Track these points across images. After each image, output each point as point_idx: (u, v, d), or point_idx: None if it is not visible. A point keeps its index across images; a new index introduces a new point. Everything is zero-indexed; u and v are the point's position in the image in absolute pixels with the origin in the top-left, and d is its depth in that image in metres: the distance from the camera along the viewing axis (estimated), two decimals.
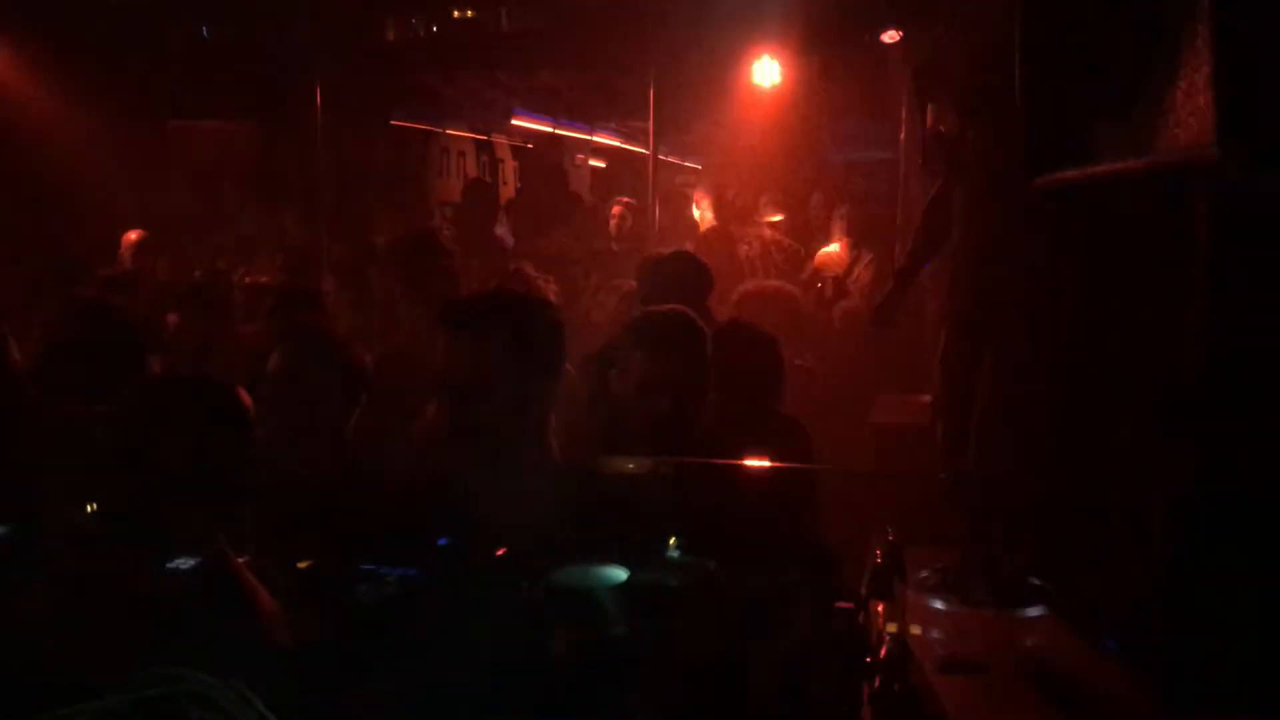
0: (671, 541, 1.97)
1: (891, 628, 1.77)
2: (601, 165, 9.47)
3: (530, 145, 8.97)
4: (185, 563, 1.93)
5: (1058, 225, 2.29)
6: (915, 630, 1.86)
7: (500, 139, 8.84)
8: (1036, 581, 2.53)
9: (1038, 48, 1.77)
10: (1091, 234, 2.24)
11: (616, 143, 9.17)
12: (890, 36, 5.17)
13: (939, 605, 2.49)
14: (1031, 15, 1.80)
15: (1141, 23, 1.50)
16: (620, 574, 1.87)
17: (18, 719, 1.35)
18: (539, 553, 1.95)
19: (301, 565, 1.92)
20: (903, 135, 5.26)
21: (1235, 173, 1.35)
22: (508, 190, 8.72)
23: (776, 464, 2.41)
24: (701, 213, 6.63)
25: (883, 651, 1.75)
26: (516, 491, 2.07)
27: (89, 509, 2.16)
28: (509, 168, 8.92)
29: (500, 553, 2.00)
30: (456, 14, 5.65)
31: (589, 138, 9.07)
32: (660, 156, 7.98)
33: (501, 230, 7.00)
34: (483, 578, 1.95)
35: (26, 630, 1.69)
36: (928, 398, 3.32)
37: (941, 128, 2.74)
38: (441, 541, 2.06)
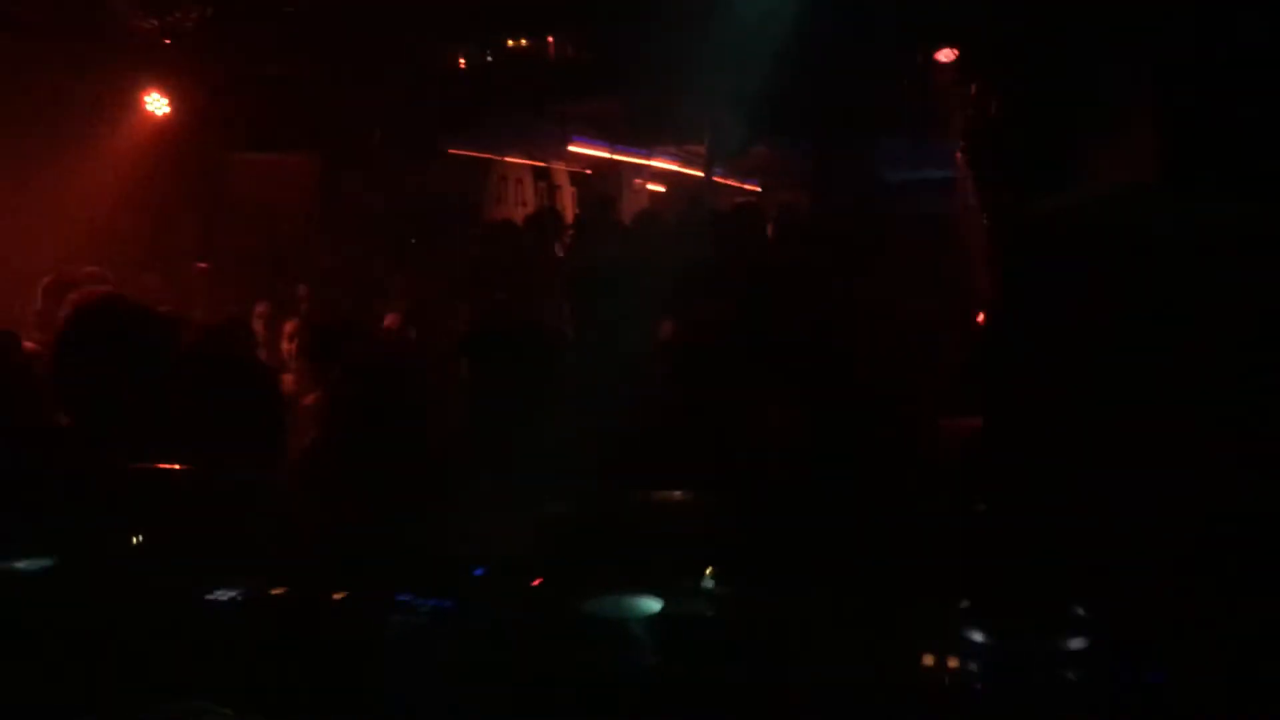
0: (707, 571, 1.94)
1: None
2: (660, 189, 9.48)
3: (589, 171, 9.01)
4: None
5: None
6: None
7: (558, 165, 8.89)
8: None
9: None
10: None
11: (675, 166, 9.18)
12: (946, 56, 5.12)
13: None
14: None
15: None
16: (654, 604, 1.84)
17: None
18: (574, 582, 1.93)
19: (336, 595, 1.91)
20: None
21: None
22: (566, 217, 8.76)
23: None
24: None
25: None
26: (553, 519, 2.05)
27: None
28: (566, 194, 8.96)
29: (536, 583, 1.98)
30: (510, 43, 5.70)
31: (647, 162, 9.09)
32: (718, 179, 7.96)
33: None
34: (517, 607, 1.93)
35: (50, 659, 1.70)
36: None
37: None
38: (478, 571, 2.04)
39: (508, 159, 8.37)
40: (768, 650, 1.73)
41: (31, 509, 2.15)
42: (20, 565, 2.09)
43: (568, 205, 8.98)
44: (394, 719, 1.56)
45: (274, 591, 1.96)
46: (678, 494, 2.27)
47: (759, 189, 9.20)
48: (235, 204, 6.75)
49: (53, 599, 2.00)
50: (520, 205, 8.32)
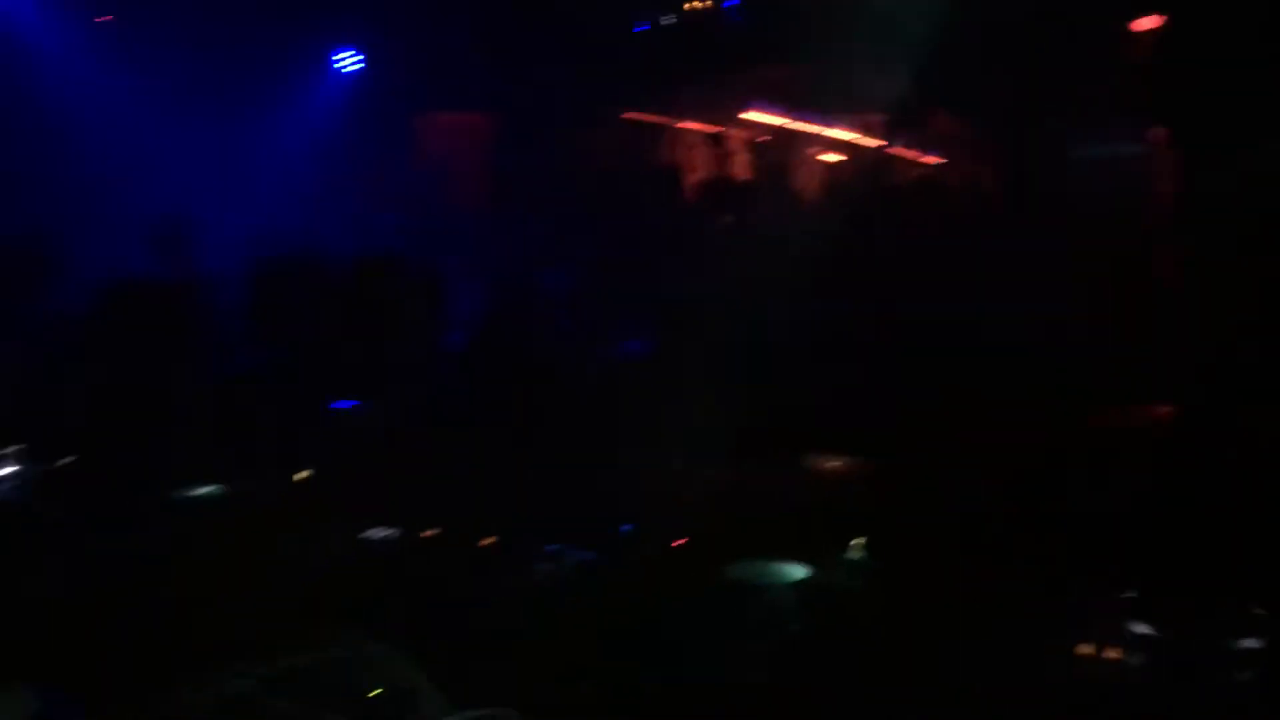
0: (856, 543, 1.90)
1: None
2: (837, 159, 9.29)
3: (765, 139, 8.89)
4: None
5: None
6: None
7: (734, 132, 8.80)
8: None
9: None
10: None
11: (853, 136, 8.97)
12: (1145, 24, 4.83)
13: None
14: None
15: None
16: (799, 571, 1.82)
17: (200, 679, 1.43)
18: (720, 546, 1.92)
19: (485, 541, 1.96)
20: None
21: None
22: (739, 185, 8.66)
23: None
24: None
25: None
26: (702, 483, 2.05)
27: None
28: (742, 161, 8.87)
29: (680, 542, 1.99)
30: (688, 5, 5.66)
31: (824, 131, 8.91)
32: (894, 151, 7.75)
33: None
34: (662, 566, 1.94)
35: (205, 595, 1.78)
36: None
37: None
38: (625, 528, 2.06)
39: (683, 125, 8.33)
40: (911, 626, 1.69)
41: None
42: (199, 493, 2.21)
43: (742, 173, 8.89)
44: (533, 661, 1.58)
45: (426, 534, 2.02)
46: (834, 465, 2.23)
47: (941, 161, 8.92)
48: (421, 163, 6.92)
49: (224, 533, 2.11)
50: (694, 172, 8.29)
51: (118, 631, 1.58)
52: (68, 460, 2.37)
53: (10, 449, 2.37)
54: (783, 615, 1.75)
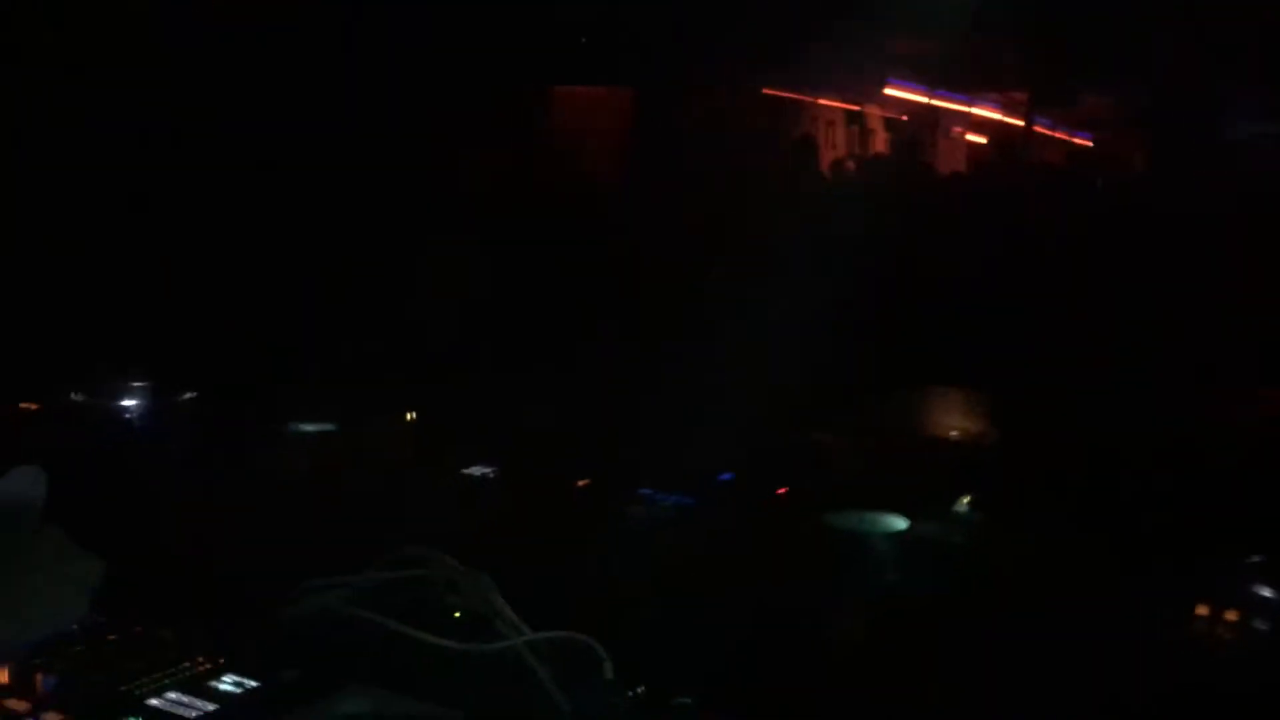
0: (964, 499, 1.83)
1: None
2: (980, 141, 9.03)
3: (904, 118, 8.69)
4: None
5: None
6: None
7: (873, 109, 8.63)
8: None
9: None
10: None
11: (997, 115, 8.71)
12: None
13: None
14: None
15: None
16: (900, 522, 1.76)
17: (280, 594, 1.45)
18: (820, 494, 1.88)
19: (580, 483, 1.95)
20: None
21: None
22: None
23: None
24: None
25: None
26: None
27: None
28: (879, 139, 8.70)
29: (781, 491, 1.94)
30: None
31: (968, 109, 8.67)
32: (1042, 130, 7.48)
33: None
34: (761, 514, 1.90)
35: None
36: None
37: None
38: (725, 476, 2.02)
39: (821, 101, 8.21)
40: (1016, 583, 1.60)
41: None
42: (307, 428, 2.26)
43: (880, 151, 8.71)
44: (619, 597, 1.56)
45: (524, 472, 2.03)
46: (947, 421, 2.16)
47: (1089, 143, 8.58)
48: (550, 136, 6.96)
49: (333, 460, 2.15)
50: (831, 149, 8.15)
51: (220, 550, 1.61)
52: (191, 395, 2.45)
53: (141, 382, 2.46)
54: (881, 566, 1.69)
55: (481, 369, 2.42)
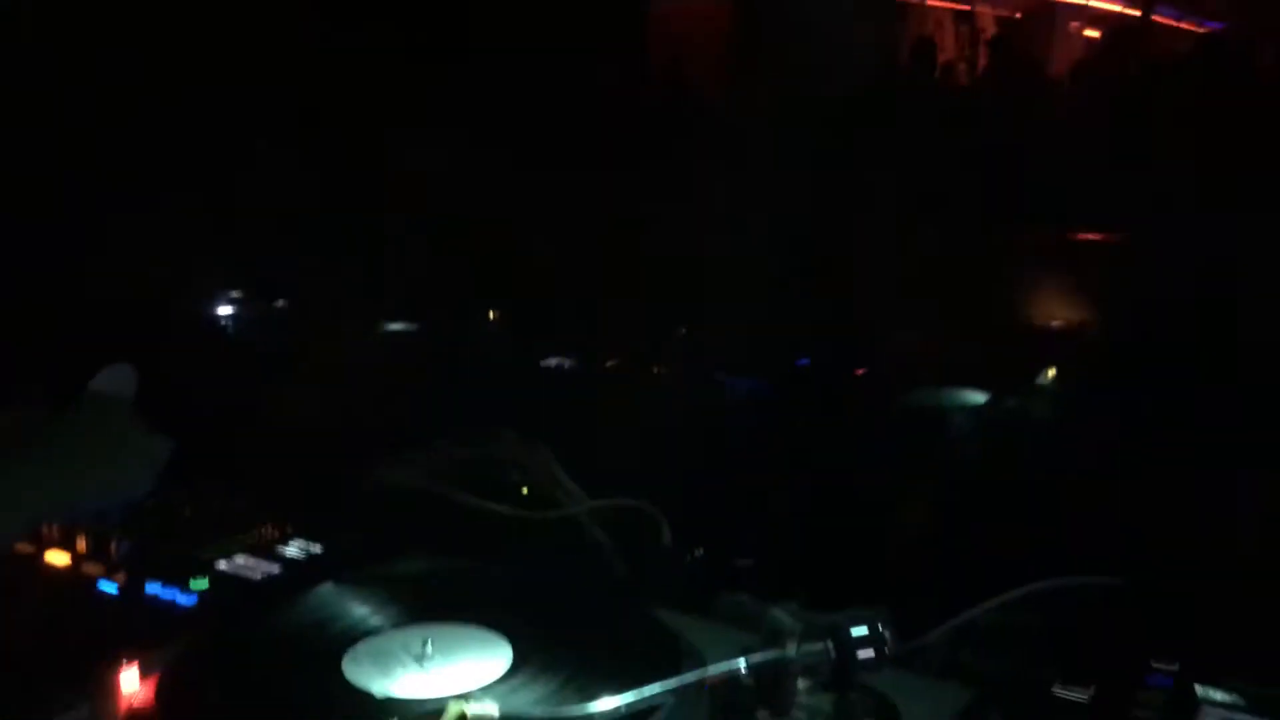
0: (1050, 372, 1.76)
1: None
2: (1095, 35, 8.62)
3: (1018, 15, 8.34)
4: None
5: None
6: None
7: (984, 9, 8.29)
8: None
9: None
10: None
11: (1118, 8, 8.29)
12: None
13: None
14: None
15: None
16: (979, 396, 1.70)
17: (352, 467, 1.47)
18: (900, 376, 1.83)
19: (656, 368, 1.94)
20: None
21: None
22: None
23: None
24: None
25: None
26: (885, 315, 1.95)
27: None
28: (990, 39, 8.36)
29: (859, 373, 1.90)
30: None
31: (1085, 3, 8.27)
32: (1164, 20, 7.09)
33: None
34: (839, 396, 1.86)
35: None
36: None
37: None
38: (802, 362, 1.99)
39: (930, 2, 7.92)
40: (1096, 461, 1.54)
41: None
42: (394, 328, 2.28)
43: (992, 52, 8.37)
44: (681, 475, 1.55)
45: (608, 364, 2.02)
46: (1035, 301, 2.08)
47: (1219, 32, 8.10)
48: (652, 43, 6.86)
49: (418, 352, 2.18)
50: (941, 52, 7.87)
51: (293, 428, 1.65)
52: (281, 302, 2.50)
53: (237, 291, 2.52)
54: (960, 440, 1.64)
55: (565, 266, 2.41)
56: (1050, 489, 1.50)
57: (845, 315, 1.95)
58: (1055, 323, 2.11)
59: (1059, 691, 0.97)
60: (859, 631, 0.91)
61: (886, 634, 0.92)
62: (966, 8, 8.11)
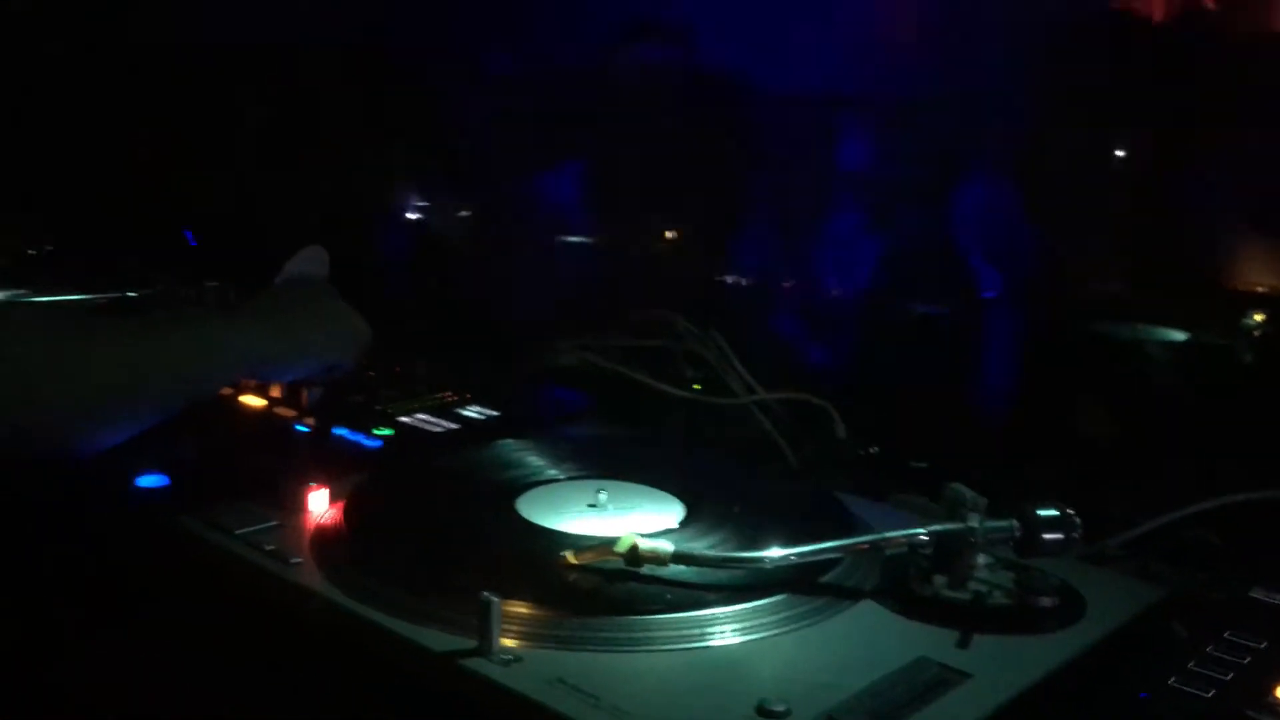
0: (1257, 318, 1.66)
1: None
2: None
3: None
4: None
5: None
6: None
7: None
8: None
9: None
10: None
11: None
12: None
13: None
14: None
15: None
16: (1178, 334, 1.62)
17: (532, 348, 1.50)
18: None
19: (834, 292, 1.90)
20: None
21: None
22: None
23: None
24: None
25: None
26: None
27: None
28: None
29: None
30: None
31: None
32: None
33: None
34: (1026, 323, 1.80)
35: None
36: None
37: None
38: (988, 293, 1.93)
39: None
40: None
41: None
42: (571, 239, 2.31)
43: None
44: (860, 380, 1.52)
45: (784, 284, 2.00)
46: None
47: None
48: None
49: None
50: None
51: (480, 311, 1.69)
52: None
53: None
54: (1152, 374, 1.56)
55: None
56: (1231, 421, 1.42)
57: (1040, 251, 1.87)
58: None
59: (1257, 594, 0.92)
60: (1048, 513, 0.88)
61: (1077, 520, 0.88)
62: None
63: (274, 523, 0.97)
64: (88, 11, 2.30)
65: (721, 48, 2.20)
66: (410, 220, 2.56)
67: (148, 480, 1.04)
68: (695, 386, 1.46)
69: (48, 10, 2.27)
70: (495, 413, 1.31)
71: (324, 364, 1.18)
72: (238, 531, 0.94)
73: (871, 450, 1.25)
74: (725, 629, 0.81)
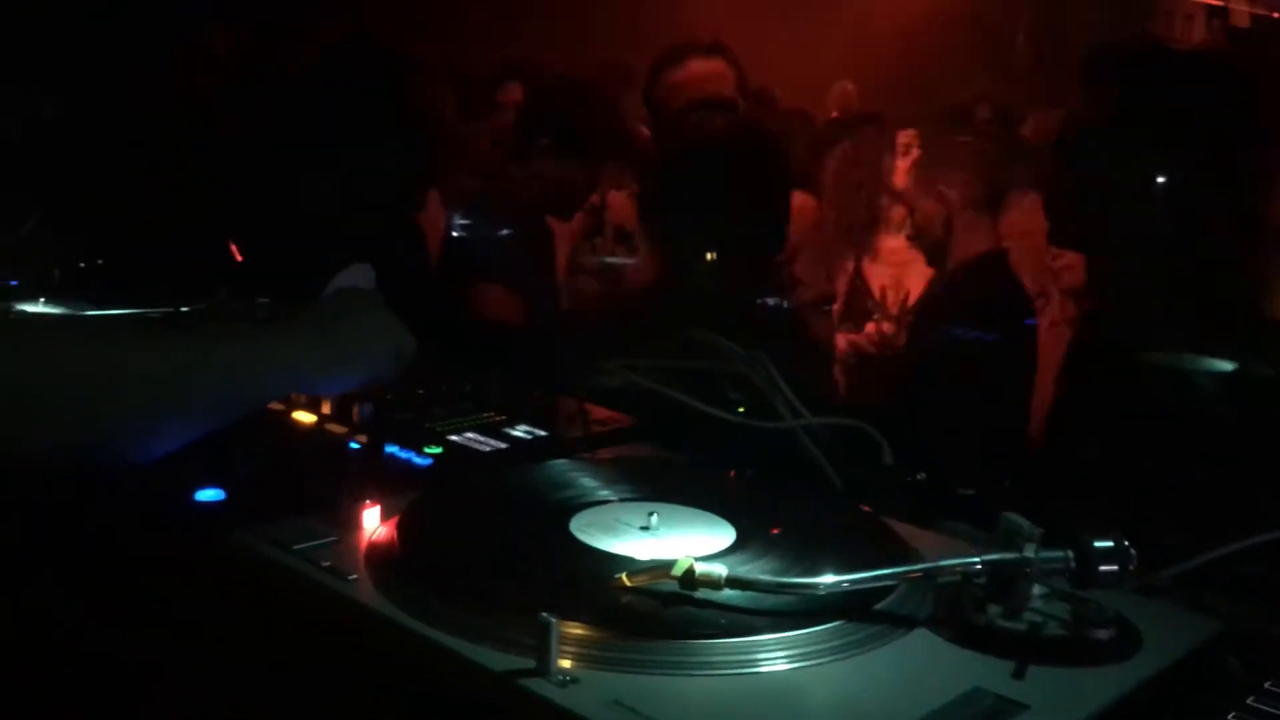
0: None
1: None
2: None
3: (1276, 15, 7.80)
4: None
5: None
6: None
7: (1239, 5, 7.79)
8: None
9: None
10: None
11: None
12: None
13: None
14: None
15: None
16: (1225, 364, 1.61)
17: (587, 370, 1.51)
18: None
19: (874, 314, 1.91)
20: None
21: None
22: None
23: None
24: None
25: None
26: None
27: None
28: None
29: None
30: None
31: None
32: None
33: None
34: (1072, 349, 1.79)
35: None
36: None
37: None
38: (1029, 321, 1.93)
39: None
40: None
41: None
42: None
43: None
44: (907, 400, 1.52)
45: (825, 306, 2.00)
46: None
47: None
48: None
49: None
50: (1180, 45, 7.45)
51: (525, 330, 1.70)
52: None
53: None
54: (1201, 404, 1.56)
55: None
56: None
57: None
58: None
59: None
60: (1103, 544, 0.88)
61: (1132, 552, 0.88)
62: (1219, 2, 7.64)
63: (331, 538, 0.98)
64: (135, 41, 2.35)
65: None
66: (454, 237, 2.58)
67: (206, 494, 1.06)
68: (739, 409, 1.46)
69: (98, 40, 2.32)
70: (543, 432, 1.32)
71: (371, 376, 1.19)
72: (296, 547, 0.95)
73: (918, 477, 1.25)
74: (778, 655, 0.81)
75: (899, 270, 2.66)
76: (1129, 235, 1.84)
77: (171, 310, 1.69)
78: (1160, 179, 1.88)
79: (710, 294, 2.19)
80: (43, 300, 1.81)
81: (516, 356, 1.62)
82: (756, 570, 0.92)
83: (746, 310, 2.06)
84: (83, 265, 2.12)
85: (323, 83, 2.34)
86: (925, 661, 0.83)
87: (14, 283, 1.97)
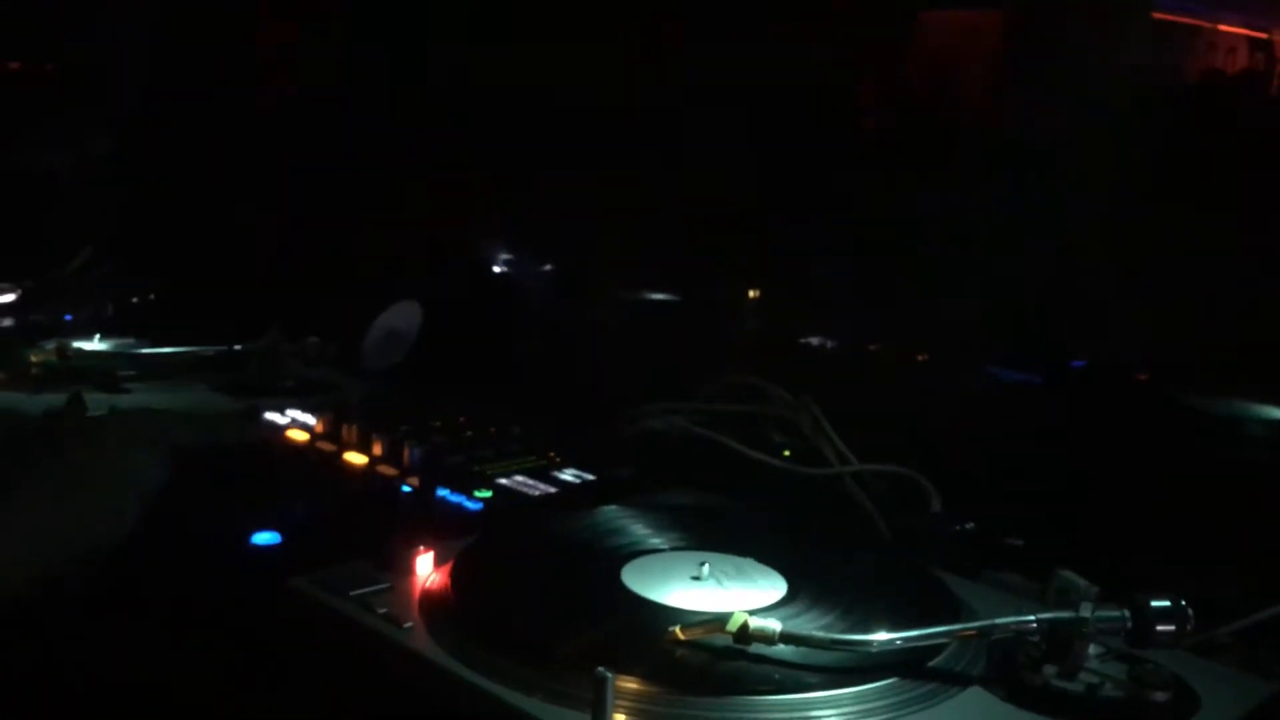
0: None
1: None
2: None
3: None
4: None
5: None
6: None
7: None
8: None
9: None
10: None
11: None
12: None
13: None
14: None
15: None
16: (1277, 412, 1.60)
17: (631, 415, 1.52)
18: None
19: (921, 357, 1.91)
20: None
21: None
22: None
23: None
24: None
25: None
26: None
27: None
28: None
29: (1141, 378, 1.82)
30: None
31: None
32: None
33: None
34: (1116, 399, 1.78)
35: None
36: None
37: None
38: (1077, 363, 1.92)
39: (1221, 27, 7.45)
40: None
41: None
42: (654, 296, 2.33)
43: None
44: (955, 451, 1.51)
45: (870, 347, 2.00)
46: None
47: None
48: (920, 60, 6.75)
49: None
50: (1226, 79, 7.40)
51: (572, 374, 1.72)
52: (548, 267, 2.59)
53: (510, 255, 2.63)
54: (1255, 453, 1.54)
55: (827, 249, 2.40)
56: None
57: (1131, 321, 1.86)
58: None
59: None
60: (1160, 604, 0.87)
61: (1189, 611, 0.87)
62: (1264, 35, 7.61)
63: (385, 585, 0.99)
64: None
65: None
66: (497, 275, 2.60)
67: (262, 537, 1.07)
68: (785, 454, 1.47)
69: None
70: (590, 476, 1.33)
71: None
72: (353, 593, 0.96)
73: (967, 526, 1.25)
74: (832, 714, 0.81)
75: None
76: (1178, 279, 1.83)
77: (225, 350, 1.71)
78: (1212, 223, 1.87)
79: (751, 330, 2.20)
80: (97, 336, 1.84)
81: (562, 397, 1.63)
82: (808, 624, 0.92)
83: (790, 347, 2.06)
84: (135, 300, 2.15)
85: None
86: None
87: (68, 317, 2.00)
